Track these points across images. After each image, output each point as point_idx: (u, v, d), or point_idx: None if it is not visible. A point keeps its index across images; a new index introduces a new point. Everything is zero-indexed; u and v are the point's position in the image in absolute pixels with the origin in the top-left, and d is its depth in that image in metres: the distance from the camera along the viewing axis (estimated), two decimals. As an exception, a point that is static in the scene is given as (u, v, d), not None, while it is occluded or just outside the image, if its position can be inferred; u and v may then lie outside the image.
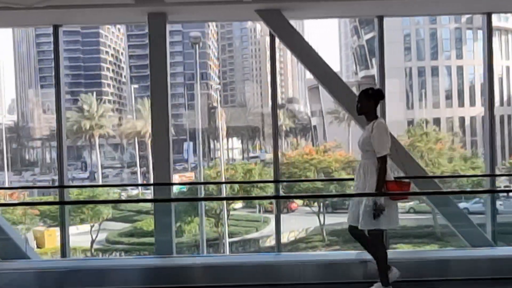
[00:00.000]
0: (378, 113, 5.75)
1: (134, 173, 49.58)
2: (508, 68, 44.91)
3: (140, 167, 48.49)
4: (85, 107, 42.01)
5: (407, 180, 5.96)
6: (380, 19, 8.46)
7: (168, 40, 8.02)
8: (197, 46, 25.14)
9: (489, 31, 8.71)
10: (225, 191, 32.15)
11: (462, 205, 35.79)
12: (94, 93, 45.49)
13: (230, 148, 55.01)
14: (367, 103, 5.72)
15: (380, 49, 8.58)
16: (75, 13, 7.71)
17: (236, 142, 55.27)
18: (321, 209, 35.41)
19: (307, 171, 33.99)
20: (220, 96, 56.45)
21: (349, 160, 35.22)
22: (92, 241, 33.50)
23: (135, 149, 48.52)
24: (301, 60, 8.16)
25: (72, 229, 33.59)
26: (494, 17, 33.53)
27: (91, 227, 33.44)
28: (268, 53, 66.82)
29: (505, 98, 44.79)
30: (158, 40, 7.89)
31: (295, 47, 8.11)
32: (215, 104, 60.31)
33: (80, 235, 33.12)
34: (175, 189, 37.19)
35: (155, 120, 7.97)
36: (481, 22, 8.89)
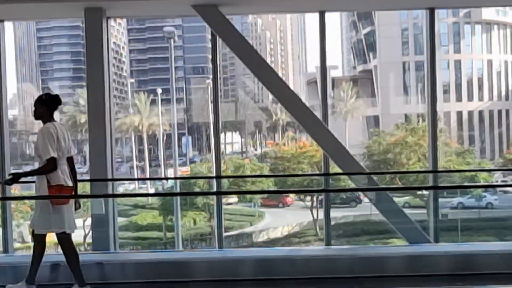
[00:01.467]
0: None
1: (134, 167, 49.67)
2: (506, 62, 44.58)
3: (139, 161, 48.59)
4: (81, 101, 42.05)
5: (70, 185, 5.95)
6: (322, 14, 8.39)
7: (106, 35, 8.02)
8: (171, 41, 25.04)
9: (432, 27, 8.59)
10: (216, 185, 32.19)
11: (457, 199, 35.84)
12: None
13: (230, 143, 54.99)
14: (41, 109, 5.87)
15: (322, 43, 8.45)
16: (11, 8, 7.72)
17: (236, 137, 55.26)
18: (314, 204, 35.39)
19: (301, 165, 33.97)
20: (217, 90, 56.43)
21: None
22: (85, 236, 33.59)
23: (131, 144, 48.62)
24: (239, 56, 8.12)
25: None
26: (492, 11, 33.34)
27: (84, 221, 33.52)
28: (268, 47, 66.94)
29: (503, 93, 44.49)
30: (95, 36, 7.89)
31: (232, 43, 8.08)
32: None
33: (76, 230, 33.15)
34: (170, 184, 37.29)
35: (91, 114, 8.00)
36: (425, 18, 8.75)
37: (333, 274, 6.65)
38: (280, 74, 65.42)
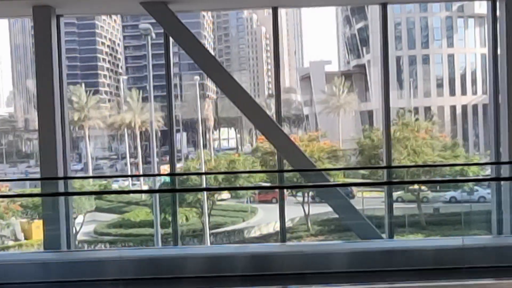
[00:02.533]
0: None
1: (130, 164, 49.69)
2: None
3: (134, 158, 48.61)
4: (74, 98, 42.09)
5: None
6: (275, 9, 8.37)
7: (56, 33, 8.00)
8: (148, 37, 24.93)
9: (384, 22, 8.55)
10: (205, 181, 32.30)
11: (449, 194, 35.78)
12: (83, 84, 45.59)
13: (225, 138, 55.03)
14: None
15: (275, 39, 8.43)
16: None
17: (232, 133, 55.26)
18: (305, 199, 35.40)
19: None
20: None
21: (333, 150, 35.11)
22: (76, 233, 33.67)
23: (124, 141, 48.63)
24: (189, 53, 8.10)
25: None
26: (483, 4, 33.12)
27: (75, 219, 33.61)
28: (264, 42, 66.94)
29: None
30: (44, 34, 7.87)
31: (181, 40, 8.05)
32: (212, 95, 60.43)
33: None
34: (162, 180, 37.44)
35: (40, 112, 7.98)
36: (378, 12, 8.70)
37: (285, 271, 6.64)
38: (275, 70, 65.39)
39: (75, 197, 32.95)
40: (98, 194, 32.22)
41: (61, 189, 7.96)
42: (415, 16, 45.23)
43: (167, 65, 8.55)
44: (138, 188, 41.06)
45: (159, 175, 33.99)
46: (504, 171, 8.34)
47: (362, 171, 35.20)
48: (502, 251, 6.18)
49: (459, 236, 25.34)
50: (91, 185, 33.70)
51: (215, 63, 8.11)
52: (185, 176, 35.56)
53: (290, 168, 7.75)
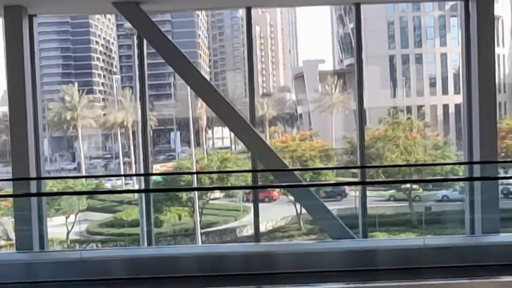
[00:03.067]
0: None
1: (124, 163, 49.65)
2: (498, 55, 44.49)
3: (128, 157, 48.59)
4: (67, 98, 42.04)
5: None
6: (248, 9, 8.35)
7: (28, 32, 7.98)
8: (134, 37, 24.80)
9: (358, 22, 8.55)
10: (196, 181, 32.30)
11: (442, 192, 35.84)
12: (76, 84, 45.57)
13: (219, 138, 55.00)
14: None
15: (249, 39, 8.41)
16: None
17: (226, 131, 55.20)
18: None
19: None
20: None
21: (325, 149, 35.11)
22: (68, 233, 33.69)
23: (122, 140, 48.60)
24: (161, 54, 8.09)
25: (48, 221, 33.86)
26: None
27: (66, 218, 33.67)
28: (258, 41, 66.88)
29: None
30: (15, 33, 7.85)
31: (154, 41, 8.04)
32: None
33: (61, 227, 33.47)
34: (157, 180, 37.48)
35: (12, 113, 7.96)
36: (353, 12, 8.69)
37: (262, 271, 6.65)
38: (270, 69, 65.38)
39: (66, 196, 33.06)
40: (81, 194, 31.96)
41: (33, 189, 7.96)
42: (408, 15, 45.25)
43: (141, 66, 8.54)
44: (131, 188, 41.02)
45: (137, 175, 33.76)
46: (476, 171, 8.36)
47: (353, 170, 35.18)
48: (463, 250, 6.22)
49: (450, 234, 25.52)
50: (82, 184, 33.74)
51: (187, 64, 8.10)
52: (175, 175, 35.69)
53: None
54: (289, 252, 7.02)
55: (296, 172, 8.46)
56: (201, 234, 33.94)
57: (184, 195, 32.78)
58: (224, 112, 8.27)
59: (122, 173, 45.05)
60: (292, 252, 7.05)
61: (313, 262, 6.78)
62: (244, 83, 64.75)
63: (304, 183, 8.14)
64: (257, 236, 8.33)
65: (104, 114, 46.47)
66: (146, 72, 8.69)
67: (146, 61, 8.56)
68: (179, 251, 7.71)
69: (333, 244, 7.71)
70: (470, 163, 8.26)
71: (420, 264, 5.99)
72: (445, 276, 5.76)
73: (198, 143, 51.75)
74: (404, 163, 31.41)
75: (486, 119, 7.80)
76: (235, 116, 8.20)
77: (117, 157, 51.90)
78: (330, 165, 35.36)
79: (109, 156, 53.31)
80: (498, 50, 44.38)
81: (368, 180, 10.35)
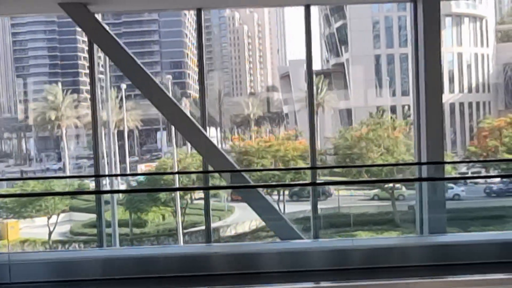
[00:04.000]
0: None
1: (108, 163, 49.42)
2: (476, 55, 44.67)
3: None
4: (50, 97, 41.89)
5: None
6: (199, 11, 8.35)
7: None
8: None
9: (307, 23, 8.57)
10: (178, 181, 32.26)
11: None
12: (60, 84, 45.42)
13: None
14: None
15: (199, 40, 8.40)
16: None
17: (215, 131, 55.15)
18: (281, 198, 35.52)
19: (264, 160, 34.00)
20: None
21: (307, 149, 35.05)
22: (50, 233, 33.61)
23: (106, 140, 48.39)
24: (109, 56, 8.06)
25: (28, 222, 33.75)
26: (463, 4, 33.21)
27: (48, 219, 33.59)
28: (246, 41, 66.75)
29: (473, 85, 44.60)
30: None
31: (100, 41, 8.02)
32: (194, 93, 60.32)
33: (44, 227, 33.41)
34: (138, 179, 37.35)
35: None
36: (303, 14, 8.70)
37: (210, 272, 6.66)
38: (258, 68, 65.30)
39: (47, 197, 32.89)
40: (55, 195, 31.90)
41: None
42: (393, 15, 45.36)
43: (91, 68, 8.52)
44: (116, 188, 40.78)
45: (115, 175, 33.78)
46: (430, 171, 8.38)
47: (337, 170, 35.25)
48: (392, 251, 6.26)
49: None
50: (64, 185, 33.66)
51: (136, 66, 8.08)
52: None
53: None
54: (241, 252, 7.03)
55: (245, 173, 8.45)
56: (184, 234, 33.92)
57: (163, 195, 32.75)
58: (173, 114, 8.27)
59: (107, 173, 44.79)
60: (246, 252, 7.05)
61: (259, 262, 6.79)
62: (232, 82, 64.89)
63: (253, 183, 8.12)
64: (208, 237, 8.31)
65: (87, 114, 46.34)
66: (96, 75, 8.64)
67: (96, 63, 8.50)
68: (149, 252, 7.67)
69: (282, 244, 7.69)
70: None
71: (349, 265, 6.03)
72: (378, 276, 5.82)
73: (184, 143, 51.72)
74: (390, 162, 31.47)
75: (433, 121, 7.82)
76: (184, 118, 8.20)
77: (106, 156, 51.74)
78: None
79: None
80: (482, 50, 44.58)
81: (318, 181, 10.31)
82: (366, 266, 6.03)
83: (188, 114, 8.31)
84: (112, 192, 43.63)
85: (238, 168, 8.93)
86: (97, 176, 8.53)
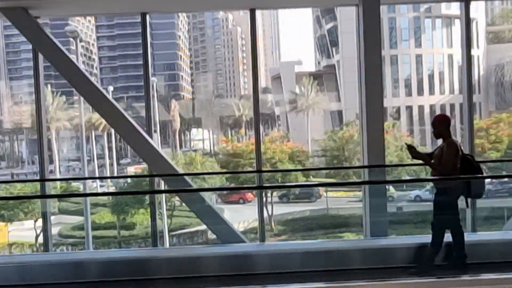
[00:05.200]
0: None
1: (102, 166, 49.48)
2: (473, 57, 44.56)
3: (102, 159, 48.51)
4: (41, 100, 41.78)
5: None
6: (143, 15, 8.32)
7: None
8: (77, 40, 24.83)
9: (253, 26, 8.54)
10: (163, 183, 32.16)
11: (414, 192, 35.91)
12: (49, 86, 45.34)
13: (200, 139, 54.94)
14: None
15: (144, 43, 8.38)
16: None
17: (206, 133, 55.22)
18: (269, 199, 35.45)
19: (252, 162, 34.00)
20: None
21: (294, 151, 35.10)
22: (36, 236, 33.52)
23: (102, 142, 48.49)
24: (48, 60, 8.03)
25: (17, 225, 33.70)
26: (453, 5, 33.14)
27: (35, 222, 33.50)
28: (239, 42, 66.59)
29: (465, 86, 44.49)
30: None
31: (42, 47, 7.98)
32: (187, 95, 60.37)
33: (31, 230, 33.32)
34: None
35: None
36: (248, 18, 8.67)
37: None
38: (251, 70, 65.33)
39: (34, 200, 32.77)
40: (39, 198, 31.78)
41: None
42: (383, 16, 45.23)
43: (36, 73, 8.50)
44: (105, 190, 40.80)
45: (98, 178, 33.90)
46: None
47: (324, 171, 35.29)
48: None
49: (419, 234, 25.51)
50: (54, 187, 33.55)
51: (77, 71, 8.06)
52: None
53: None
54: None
55: (187, 177, 8.43)
56: (172, 236, 33.87)
57: (147, 197, 32.63)
58: (115, 119, 8.24)
59: (97, 175, 44.91)
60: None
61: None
62: (225, 84, 64.87)
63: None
64: (154, 241, 8.28)
65: (76, 116, 46.37)
66: (42, 78, 8.60)
67: (41, 67, 8.48)
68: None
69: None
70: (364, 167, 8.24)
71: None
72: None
73: (181, 145, 51.86)
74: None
75: (373, 124, 7.79)
76: (127, 124, 8.17)
77: (98, 158, 51.85)
78: (296, 167, 35.39)
79: (88, 158, 53.18)
80: (473, 51, 44.38)
81: (266, 185, 10.29)
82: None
83: (130, 119, 8.27)
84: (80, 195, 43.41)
85: (181, 172, 8.90)
86: (42, 181, 8.43)
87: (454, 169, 6.19)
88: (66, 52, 8.07)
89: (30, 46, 7.78)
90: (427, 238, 6.55)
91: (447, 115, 6.84)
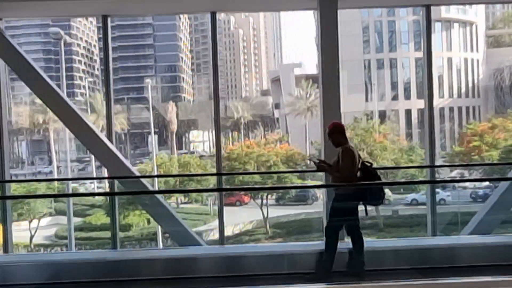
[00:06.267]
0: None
1: (100, 166, 49.52)
2: (466, 60, 44.47)
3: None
4: (38, 100, 41.92)
5: None
6: (104, 18, 8.29)
7: None
8: (62, 41, 24.88)
9: (214, 30, 8.49)
10: (157, 184, 32.18)
11: (411, 196, 35.82)
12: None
13: (200, 141, 54.99)
14: None
15: (105, 48, 8.34)
16: None
17: (208, 135, 55.21)
18: (264, 202, 35.45)
19: (247, 165, 33.96)
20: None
21: (290, 154, 35.02)
22: (31, 237, 33.59)
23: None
24: (7, 63, 8.01)
25: (13, 225, 33.76)
26: (453, 9, 33.20)
27: (29, 223, 33.57)
28: (241, 45, 66.58)
29: (463, 90, 44.40)
30: None
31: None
32: (188, 97, 60.46)
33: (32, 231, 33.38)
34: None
35: None
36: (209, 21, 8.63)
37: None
38: (253, 72, 65.04)
39: (28, 200, 32.81)
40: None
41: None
42: (382, 20, 45.24)
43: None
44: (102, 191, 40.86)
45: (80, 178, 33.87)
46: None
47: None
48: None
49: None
50: (51, 188, 33.59)
51: (35, 74, 8.03)
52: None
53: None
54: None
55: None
56: (167, 238, 33.81)
57: (147, 199, 32.62)
58: (72, 122, 8.21)
59: (95, 176, 44.97)
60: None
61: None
62: (226, 86, 64.84)
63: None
64: (114, 243, 8.23)
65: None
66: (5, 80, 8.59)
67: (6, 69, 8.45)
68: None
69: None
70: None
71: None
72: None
73: (173, 147, 51.84)
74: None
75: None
76: (84, 126, 8.14)
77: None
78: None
79: (87, 159, 53.28)
80: (472, 55, 44.35)
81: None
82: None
83: (88, 121, 8.24)
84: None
85: (137, 174, 8.86)
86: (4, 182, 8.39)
87: (352, 175, 6.29)
88: (24, 54, 8.05)
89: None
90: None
91: (338, 121, 6.97)
